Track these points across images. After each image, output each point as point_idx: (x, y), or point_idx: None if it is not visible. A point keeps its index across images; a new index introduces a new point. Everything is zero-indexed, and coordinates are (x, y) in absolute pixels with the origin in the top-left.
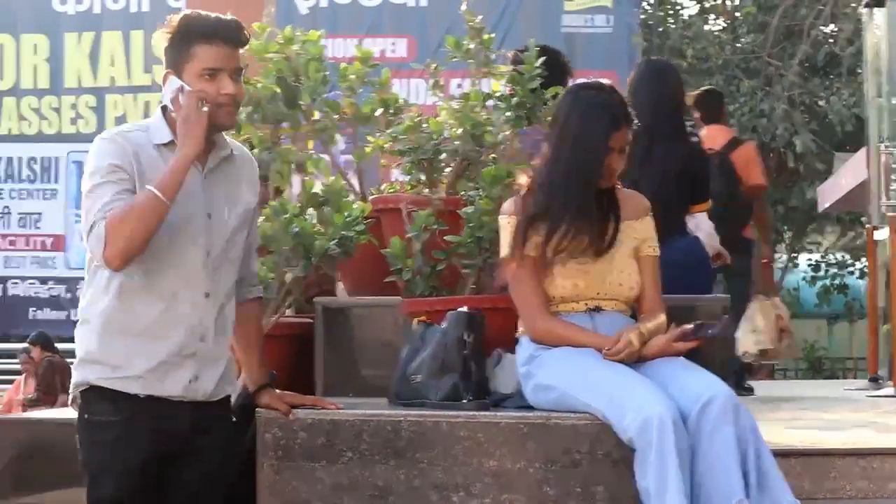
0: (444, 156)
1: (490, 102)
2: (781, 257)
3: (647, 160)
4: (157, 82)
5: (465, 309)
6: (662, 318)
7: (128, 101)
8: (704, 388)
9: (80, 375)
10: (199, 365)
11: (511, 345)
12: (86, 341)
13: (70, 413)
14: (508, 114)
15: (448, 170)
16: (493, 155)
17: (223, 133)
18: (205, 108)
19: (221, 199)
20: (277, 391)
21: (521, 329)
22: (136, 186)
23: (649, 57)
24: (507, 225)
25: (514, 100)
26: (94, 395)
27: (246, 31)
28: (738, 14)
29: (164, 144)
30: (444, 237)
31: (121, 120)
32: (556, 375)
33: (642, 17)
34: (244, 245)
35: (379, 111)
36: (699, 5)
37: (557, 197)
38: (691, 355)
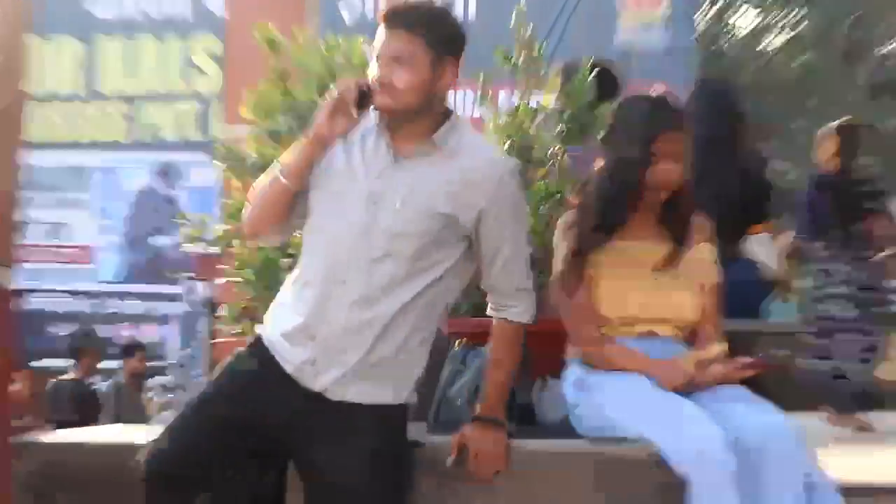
0: None
1: (539, 117)
2: None
3: (703, 177)
4: (195, 89)
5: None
6: (720, 347)
7: (163, 109)
8: (765, 423)
9: None
10: (319, 351)
11: (558, 370)
12: None
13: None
14: (558, 129)
15: None
16: (541, 171)
17: (452, 120)
18: (335, 95)
19: (402, 189)
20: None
21: (569, 352)
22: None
23: (705, 77)
24: (561, 242)
25: (565, 115)
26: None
27: (428, 14)
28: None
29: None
30: None
31: (154, 128)
32: (606, 403)
33: (700, 31)
34: (429, 250)
35: None
36: (757, 20)
37: (598, 205)
38: (752, 386)
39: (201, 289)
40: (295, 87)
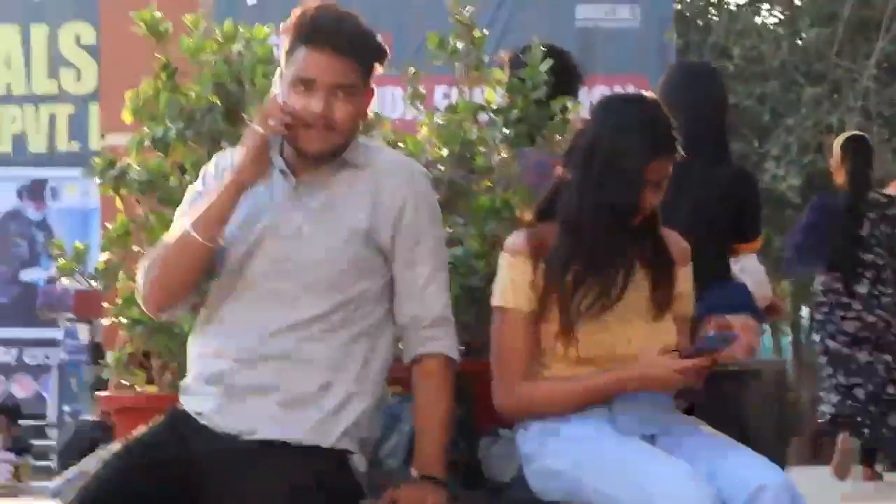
0: None
1: (483, 116)
2: None
3: (680, 185)
4: (66, 90)
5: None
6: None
7: (28, 115)
8: (753, 474)
9: None
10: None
11: (510, 420)
12: None
13: None
14: (506, 130)
15: None
16: (486, 182)
17: (359, 144)
18: (258, 128)
19: (308, 215)
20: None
21: None
22: None
23: (685, 59)
24: (507, 265)
25: (514, 113)
26: None
27: (374, 43)
28: (798, 3)
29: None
30: None
31: (18, 138)
32: (567, 457)
33: (678, 7)
34: (350, 273)
35: None
36: None
37: (585, 238)
38: (735, 432)
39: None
40: (186, 84)
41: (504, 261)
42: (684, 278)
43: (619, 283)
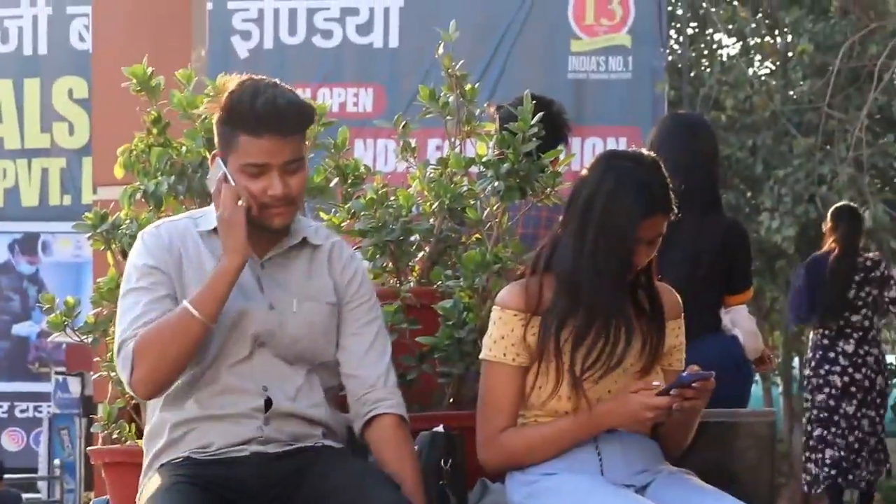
0: (415, 237)
1: (474, 170)
2: None
3: (671, 236)
4: (58, 143)
5: (441, 428)
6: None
7: (21, 168)
8: None
9: None
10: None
11: (499, 474)
12: None
13: None
14: (496, 183)
15: (421, 254)
16: (476, 235)
17: (299, 217)
18: (241, 203)
19: (289, 291)
20: None
21: None
22: (174, 287)
23: (676, 111)
24: (498, 319)
25: (504, 166)
26: None
27: (310, 110)
28: (790, 54)
29: (210, 231)
30: (416, 338)
31: (11, 192)
32: None
33: (669, 58)
34: (326, 345)
35: (334, 181)
36: (741, 43)
37: (583, 295)
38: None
39: (74, 385)
40: (177, 139)
41: (495, 314)
42: (676, 331)
43: (623, 341)
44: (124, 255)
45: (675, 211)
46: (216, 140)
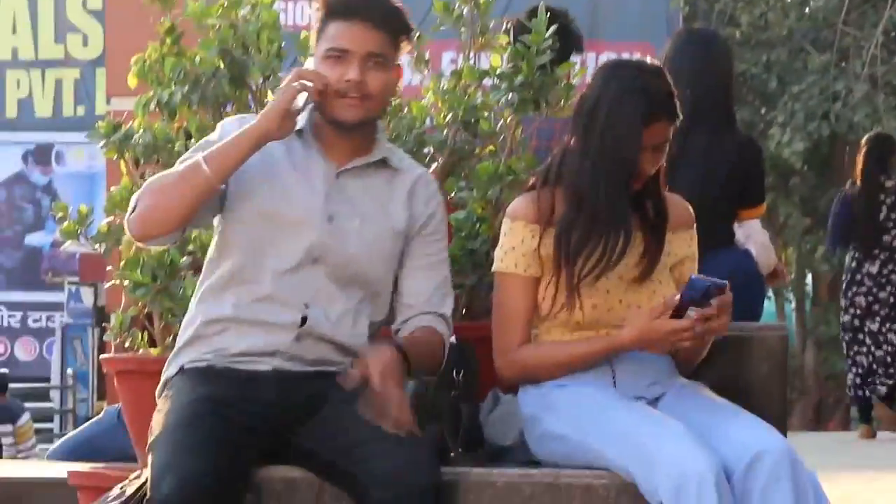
0: (429, 148)
1: (487, 82)
2: None
3: (685, 152)
4: (72, 55)
5: (453, 339)
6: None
7: (35, 79)
8: (754, 440)
9: None
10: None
11: (512, 384)
12: None
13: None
14: (510, 96)
15: (434, 165)
16: (490, 147)
17: (380, 128)
18: (295, 85)
19: (356, 206)
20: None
21: None
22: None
23: (690, 25)
24: (509, 231)
25: (518, 79)
26: None
27: (405, 18)
28: None
29: (294, 133)
30: None
31: (25, 102)
32: (570, 421)
33: None
34: (385, 274)
35: None
36: None
37: (586, 203)
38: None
39: (87, 295)
40: (191, 49)
41: (506, 226)
42: (688, 242)
43: (619, 248)
44: (137, 164)
45: (679, 117)
46: (311, 44)
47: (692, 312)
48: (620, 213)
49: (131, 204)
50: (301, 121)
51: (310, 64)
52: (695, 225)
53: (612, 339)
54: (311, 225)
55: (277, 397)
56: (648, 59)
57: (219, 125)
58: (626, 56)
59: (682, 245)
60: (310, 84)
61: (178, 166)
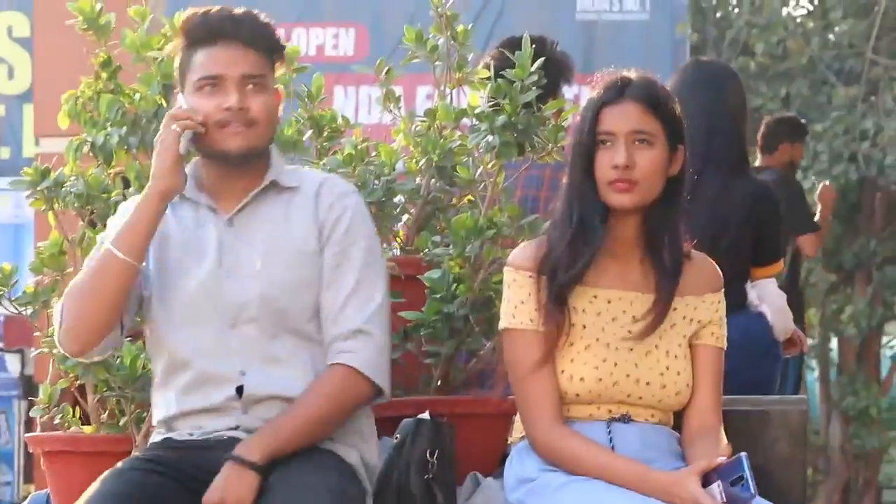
0: (399, 198)
1: (466, 122)
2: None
3: (695, 199)
4: None
5: (427, 415)
6: (724, 447)
7: None
8: None
9: None
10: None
11: (492, 466)
12: None
13: None
14: (491, 139)
15: (406, 218)
16: (468, 197)
17: (273, 154)
18: (174, 127)
19: (253, 248)
20: None
21: (513, 435)
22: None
23: (699, 57)
24: (511, 282)
25: (500, 119)
26: None
27: (273, 30)
28: None
29: (179, 198)
30: (400, 313)
31: None
32: None
33: None
34: (312, 302)
35: (308, 134)
36: None
37: (560, 217)
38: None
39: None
40: (130, 85)
41: (508, 276)
42: (716, 305)
43: (587, 249)
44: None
45: (647, 98)
46: (177, 80)
47: (717, 488)
48: (587, 199)
49: (56, 317)
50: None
51: (180, 103)
52: (723, 289)
53: (647, 472)
54: (211, 289)
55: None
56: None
57: (119, 210)
58: None
59: (708, 310)
60: (188, 121)
61: (88, 265)
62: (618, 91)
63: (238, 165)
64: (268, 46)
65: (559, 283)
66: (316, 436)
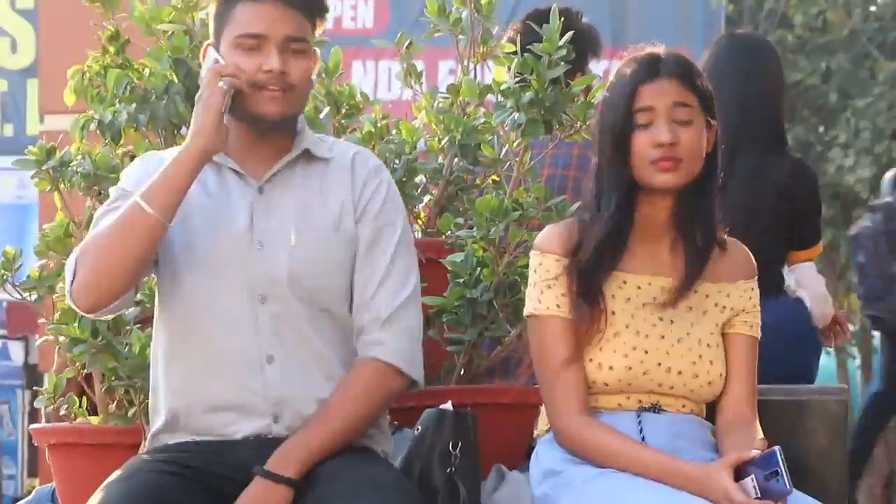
0: (420, 178)
1: (491, 99)
2: None
3: (729, 179)
4: None
5: (450, 406)
6: (759, 441)
7: None
8: None
9: None
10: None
11: (518, 459)
12: None
13: None
14: (517, 116)
15: (427, 198)
16: (493, 177)
17: (301, 120)
18: (221, 84)
19: (286, 220)
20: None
21: (539, 427)
22: None
23: (734, 29)
24: (537, 266)
25: (527, 95)
26: None
27: None
28: None
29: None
30: (421, 299)
31: None
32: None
33: None
34: (346, 282)
35: (325, 111)
36: None
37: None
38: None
39: (16, 352)
40: (139, 59)
41: (533, 260)
42: (749, 293)
43: (619, 238)
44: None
45: (683, 73)
46: (211, 30)
47: (751, 482)
48: (622, 181)
49: (68, 273)
50: None
51: (215, 56)
52: (756, 276)
53: (677, 464)
54: (242, 259)
55: (257, 460)
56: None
57: (123, 174)
58: None
59: (742, 297)
60: (233, 80)
61: (109, 219)
62: (652, 67)
63: (268, 130)
64: (312, 7)
65: (591, 274)
66: (350, 439)
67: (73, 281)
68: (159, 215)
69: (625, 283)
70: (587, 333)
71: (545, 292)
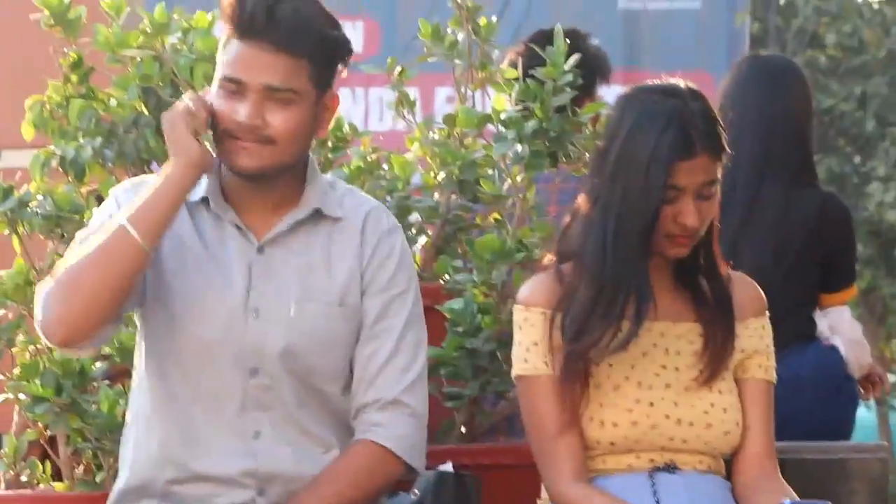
0: (415, 217)
1: (491, 129)
2: None
3: (753, 215)
4: None
5: (449, 466)
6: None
7: None
8: None
9: None
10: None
11: None
12: None
13: None
14: (520, 148)
15: (423, 239)
16: (494, 215)
17: (310, 168)
18: (188, 104)
19: (286, 287)
20: None
21: (543, 495)
22: None
23: (759, 51)
24: (522, 322)
25: (530, 125)
26: None
27: (326, 35)
28: None
29: (198, 202)
30: None
31: None
32: None
33: None
34: (345, 361)
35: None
36: None
37: (588, 266)
38: None
39: None
40: (104, 89)
41: (519, 315)
42: (760, 332)
43: (631, 319)
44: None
45: (726, 151)
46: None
47: None
48: (632, 273)
49: (38, 305)
50: (203, 184)
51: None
52: (767, 312)
53: None
54: (234, 327)
55: None
56: (683, 84)
57: (111, 193)
58: None
59: (752, 337)
60: (198, 116)
61: (85, 246)
62: (689, 143)
63: (259, 181)
64: (313, 49)
65: (581, 353)
66: None
67: (44, 313)
68: (143, 241)
69: (621, 331)
70: (583, 391)
71: (531, 350)
